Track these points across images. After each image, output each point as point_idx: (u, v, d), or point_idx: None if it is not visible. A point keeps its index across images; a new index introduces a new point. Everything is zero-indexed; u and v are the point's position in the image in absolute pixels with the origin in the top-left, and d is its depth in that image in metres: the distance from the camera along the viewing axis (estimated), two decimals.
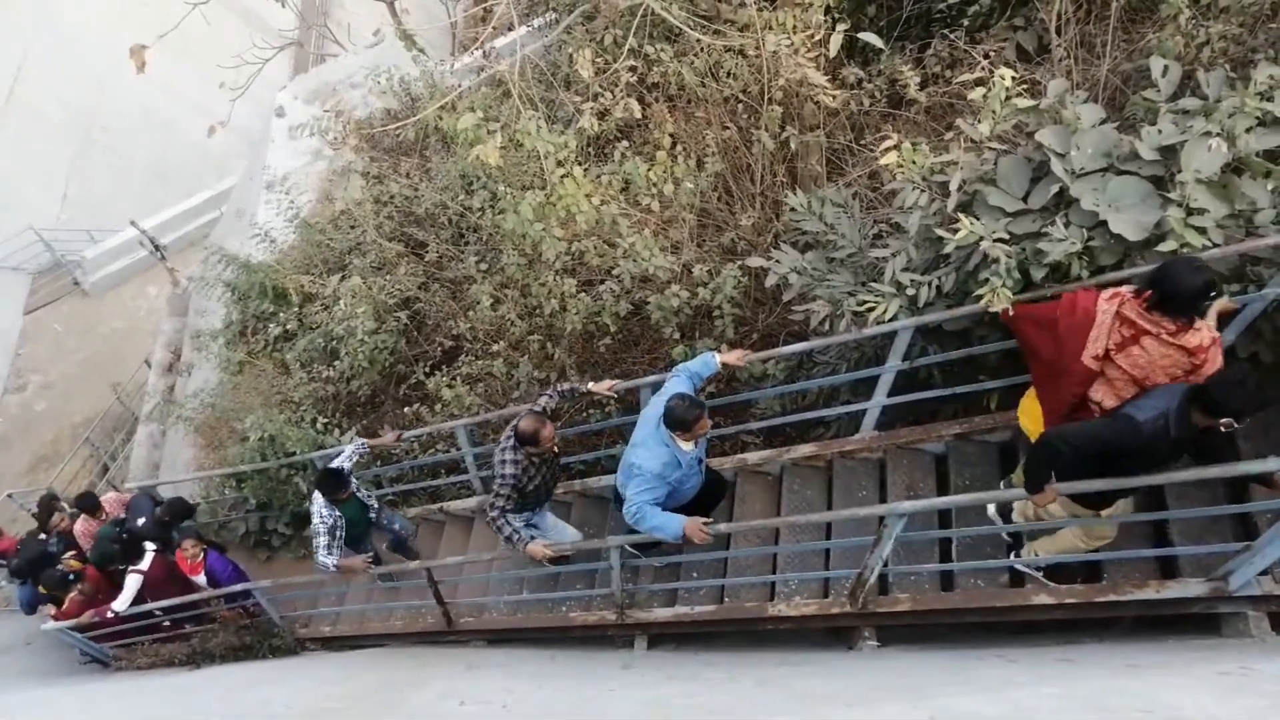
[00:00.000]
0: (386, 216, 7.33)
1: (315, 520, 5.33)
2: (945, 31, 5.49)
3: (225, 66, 9.18)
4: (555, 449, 4.78)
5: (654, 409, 4.35)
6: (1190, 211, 3.75)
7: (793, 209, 4.83)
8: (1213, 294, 3.37)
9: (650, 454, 4.25)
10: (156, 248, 10.91)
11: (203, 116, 9.51)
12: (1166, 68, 4.10)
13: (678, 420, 4.16)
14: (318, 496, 5.33)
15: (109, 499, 6.91)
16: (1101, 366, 3.53)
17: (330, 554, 5.31)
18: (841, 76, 5.52)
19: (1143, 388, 3.44)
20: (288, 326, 7.29)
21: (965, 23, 5.71)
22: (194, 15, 7.98)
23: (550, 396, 4.79)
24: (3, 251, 13.10)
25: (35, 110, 13.84)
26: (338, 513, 5.37)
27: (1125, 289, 3.56)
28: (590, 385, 4.89)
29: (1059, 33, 5.09)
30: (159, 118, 13.33)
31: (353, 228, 7.53)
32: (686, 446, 4.27)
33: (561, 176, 4.99)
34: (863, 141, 5.53)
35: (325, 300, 7.01)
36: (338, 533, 5.40)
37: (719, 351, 4.57)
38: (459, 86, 7.62)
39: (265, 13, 9.72)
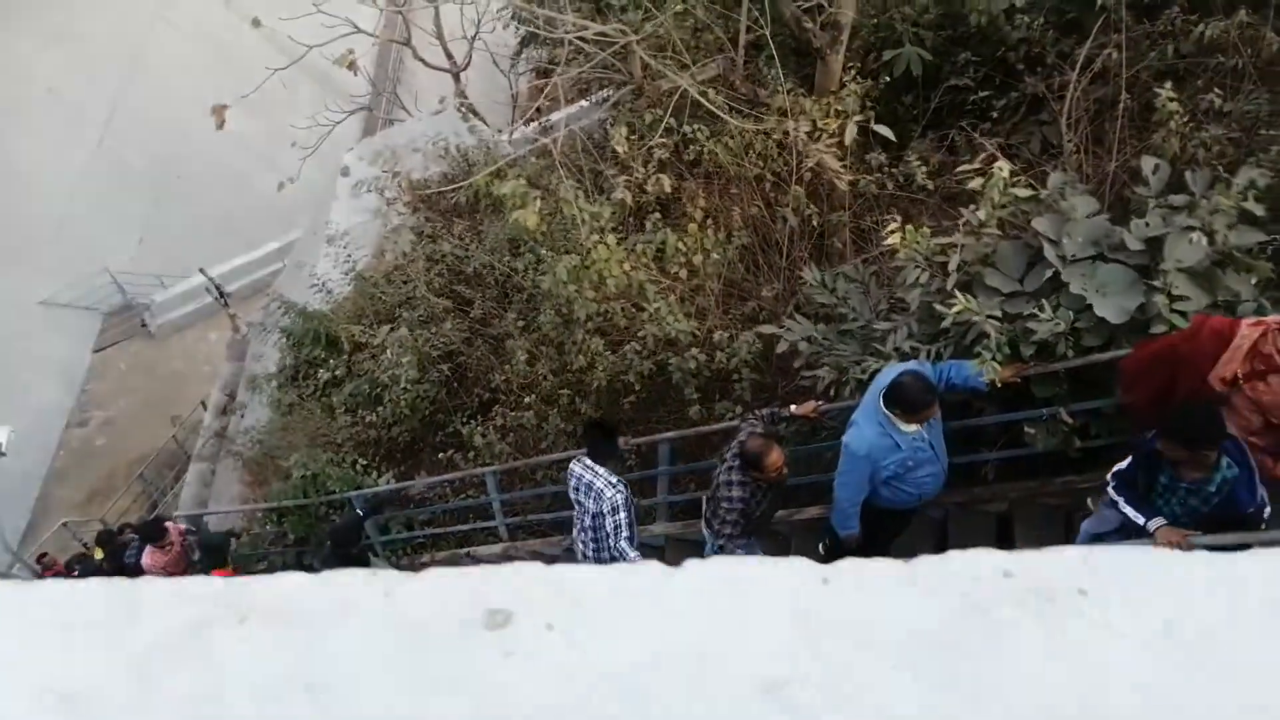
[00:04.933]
0: (437, 274, 7.96)
1: (612, 497, 4.37)
2: (965, 124, 5.96)
3: (298, 127, 10.06)
4: (783, 474, 4.17)
5: (879, 382, 4.02)
6: (1173, 298, 4.13)
7: (805, 282, 5.28)
8: None
9: (860, 433, 3.93)
10: (221, 294, 11.74)
11: (273, 172, 10.38)
12: (1157, 166, 4.51)
13: (903, 398, 3.78)
14: (600, 470, 4.44)
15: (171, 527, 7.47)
16: (1229, 391, 3.47)
17: (633, 544, 4.44)
18: (867, 160, 6.02)
19: (1268, 423, 3.41)
20: (337, 373, 7.90)
21: (995, 114, 6.20)
22: (275, 78, 8.86)
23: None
24: (78, 291, 14.13)
25: (120, 158, 15.03)
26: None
27: (1273, 319, 3.50)
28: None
29: (1073, 129, 5.54)
30: (232, 171, 14.40)
31: (405, 283, 8.18)
32: (909, 429, 3.90)
33: (595, 243, 5.54)
34: (885, 222, 6.00)
35: (374, 349, 7.62)
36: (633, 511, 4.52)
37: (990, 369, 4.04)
38: (513, 155, 8.31)
39: (340, 78, 10.60)
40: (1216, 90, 4.82)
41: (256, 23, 9.32)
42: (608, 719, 0.68)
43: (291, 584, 0.75)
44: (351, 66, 7.59)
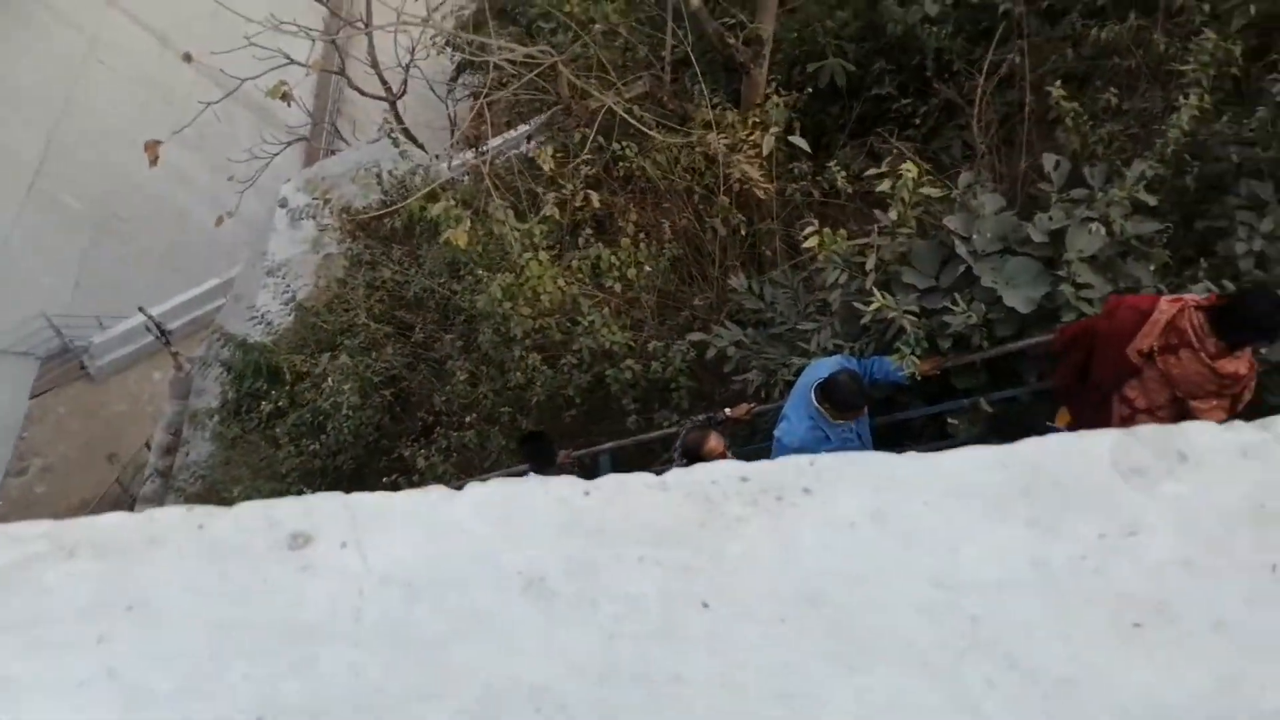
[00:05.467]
0: (377, 300, 8.03)
1: None
2: (886, 131, 6.18)
3: (236, 160, 10.10)
4: (727, 458, 4.08)
5: (809, 377, 4.11)
6: (1078, 286, 4.34)
7: (733, 289, 5.45)
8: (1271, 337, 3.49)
9: (790, 425, 4.01)
10: (163, 333, 11.68)
11: (213, 207, 10.39)
12: (1058, 162, 4.74)
13: (836, 396, 3.87)
14: None
15: None
16: (1142, 364, 3.61)
17: None
18: (791, 170, 6.22)
19: (1174, 398, 3.59)
20: (280, 404, 7.92)
21: (916, 121, 6.44)
22: (210, 111, 8.91)
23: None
24: (13, 337, 13.96)
25: (53, 200, 14.92)
26: None
27: (1190, 297, 3.66)
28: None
29: (985, 132, 5.78)
30: (172, 208, 14.36)
31: (345, 310, 8.23)
32: (838, 422, 3.99)
33: (528, 260, 5.67)
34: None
35: (316, 378, 7.66)
36: None
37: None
38: (451, 179, 8.42)
39: (278, 110, 10.66)
40: (1113, 89, 5.07)
41: (188, 58, 9.37)
42: (387, 614, 0.79)
43: (114, 520, 0.86)
44: (285, 98, 7.67)
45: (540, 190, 6.51)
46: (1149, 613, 0.79)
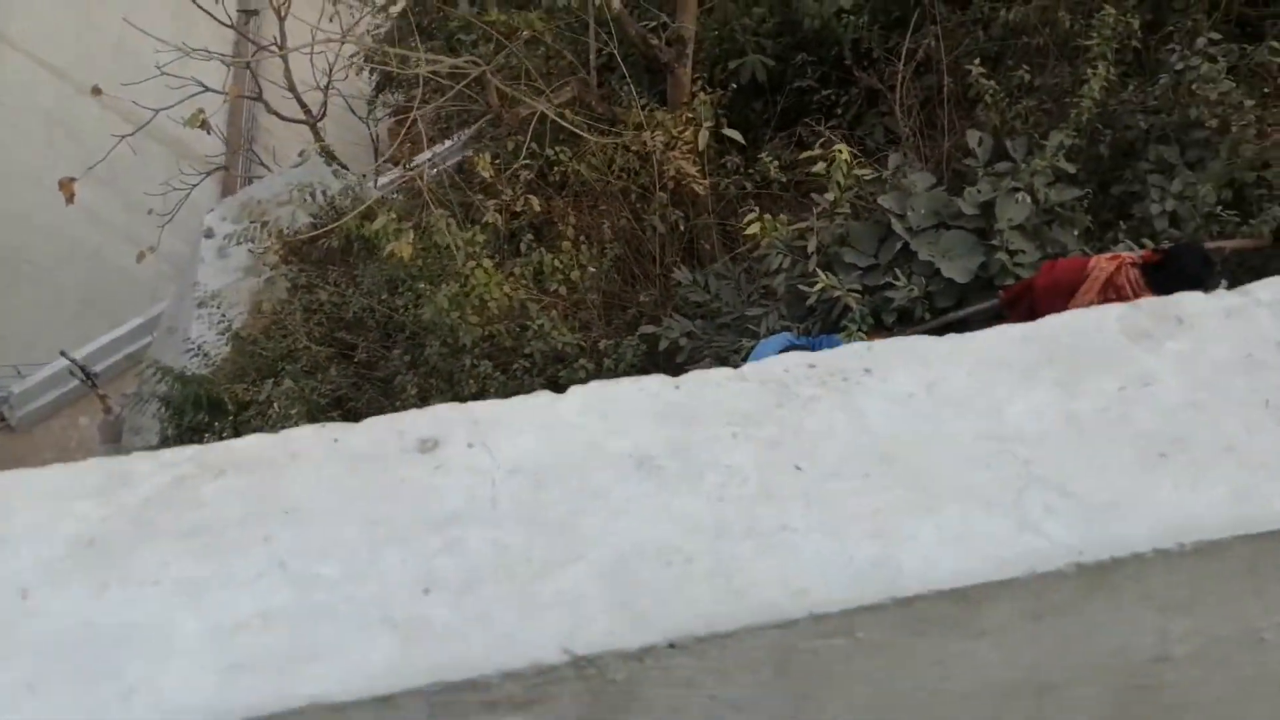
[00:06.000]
0: (316, 323, 7.98)
1: None
2: (810, 121, 6.41)
3: (153, 194, 9.90)
4: None
5: (757, 354, 4.20)
6: (1011, 254, 4.58)
7: (679, 283, 5.60)
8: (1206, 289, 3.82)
9: None
10: (88, 376, 11.36)
11: (131, 244, 10.15)
12: (981, 139, 5.00)
13: None
14: None
15: None
16: None
17: None
18: (724, 165, 6.40)
19: None
20: (224, 435, 7.81)
21: (839, 111, 6.68)
22: (121, 146, 8.74)
23: None
24: None
25: None
26: None
27: (1128, 254, 3.87)
28: None
29: (908, 115, 6.04)
30: (86, 248, 13.96)
31: (284, 336, 8.16)
32: None
33: (473, 268, 5.73)
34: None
35: (260, 406, 7.56)
36: None
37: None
38: (383, 197, 8.41)
39: (193, 141, 10.52)
40: (1025, 67, 5.37)
41: (96, 91, 9.17)
42: (518, 498, 0.89)
43: (252, 441, 0.94)
44: (204, 126, 7.56)
45: (479, 199, 6.58)
46: (1169, 446, 0.94)
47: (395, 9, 9.31)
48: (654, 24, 6.95)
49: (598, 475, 0.91)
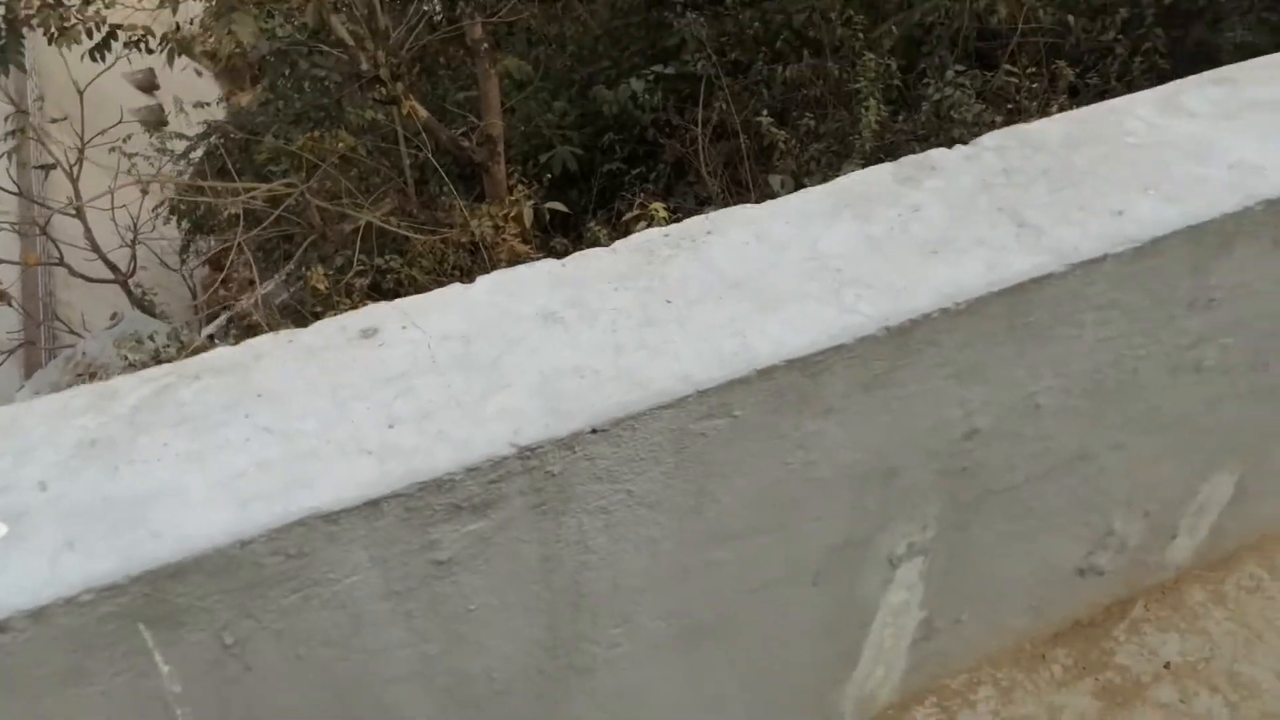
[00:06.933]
0: None
1: None
2: (626, 194, 6.90)
3: None
4: None
5: None
6: None
7: None
8: None
9: None
10: None
11: None
12: (783, 181, 5.57)
13: None
14: None
15: None
16: None
17: None
18: (553, 246, 6.78)
19: None
20: None
21: (650, 186, 7.21)
22: None
23: None
24: None
25: None
26: None
27: None
28: None
29: (714, 176, 6.61)
30: None
31: None
32: None
33: None
34: None
35: None
36: None
37: None
38: (211, 337, 8.35)
39: None
40: (809, 115, 6.03)
41: None
42: (453, 353, 1.13)
43: (220, 351, 1.13)
44: (3, 298, 7.42)
45: (314, 315, 6.67)
46: (938, 245, 1.26)
47: (197, 154, 9.42)
48: (463, 129, 7.35)
49: (514, 329, 1.16)
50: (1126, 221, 1.31)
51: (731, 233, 1.29)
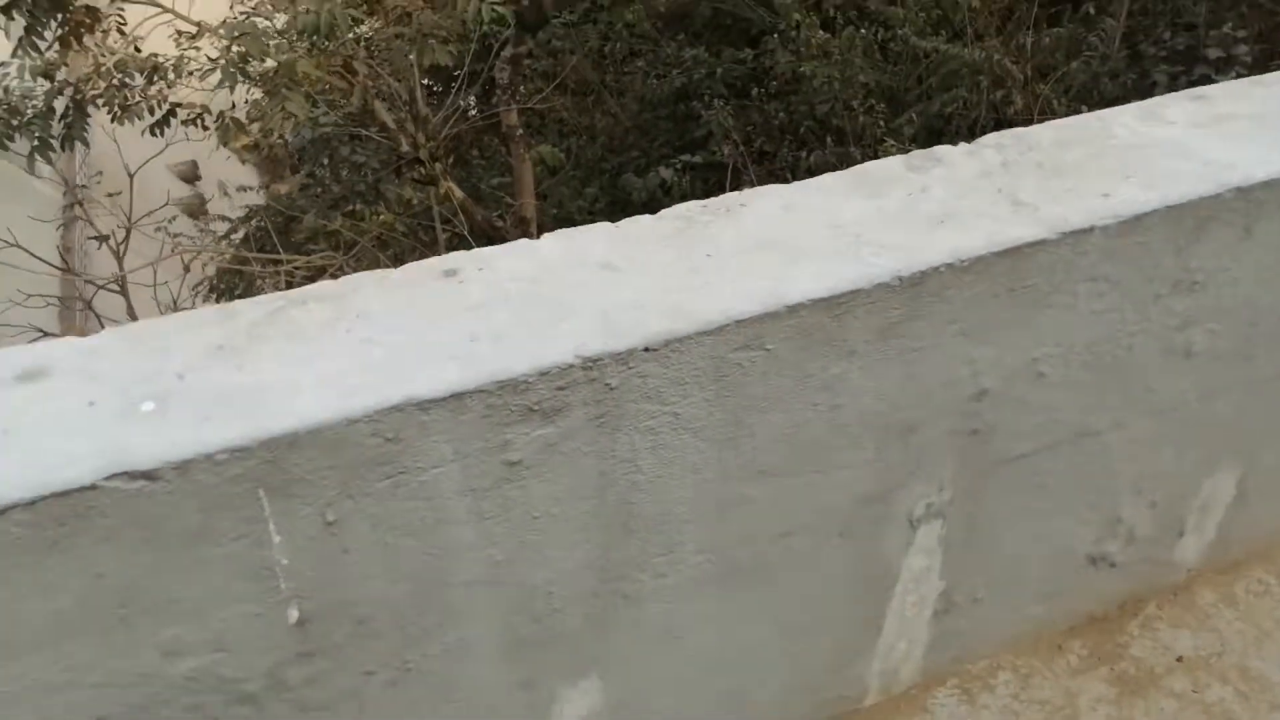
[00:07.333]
0: None
1: None
2: None
3: None
4: None
5: None
6: None
7: None
8: None
9: None
10: None
11: None
12: None
13: None
14: None
15: None
16: None
17: None
18: None
19: None
20: None
21: None
22: None
23: None
24: None
25: None
26: None
27: None
28: None
29: None
30: None
31: None
32: None
33: None
34: None
35: None
36: None
37: None
38: None
39: None
40: None
41: None
42: (523, 289, 1.33)
43: (322, 284, 1.33)
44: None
45: None
46: (944, 217, 1.47)
47: (238, 235, 9.85)
48: (497, 211, 7.72)
49: (576, 274, 1.36)
50: (1112, 202, 1.51)
51: (762, 203, 1.50)
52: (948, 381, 1.52)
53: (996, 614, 1.96)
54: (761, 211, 1.48)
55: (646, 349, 1.26)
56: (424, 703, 1.44)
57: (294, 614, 1.25)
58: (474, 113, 8.68)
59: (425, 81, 7.71)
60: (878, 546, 1.68)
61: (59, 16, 6.11)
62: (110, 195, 6.77)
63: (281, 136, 10.75)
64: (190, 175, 14.62)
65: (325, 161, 10.09)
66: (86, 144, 6.06)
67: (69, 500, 1.06)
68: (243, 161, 13.73)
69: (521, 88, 8.63)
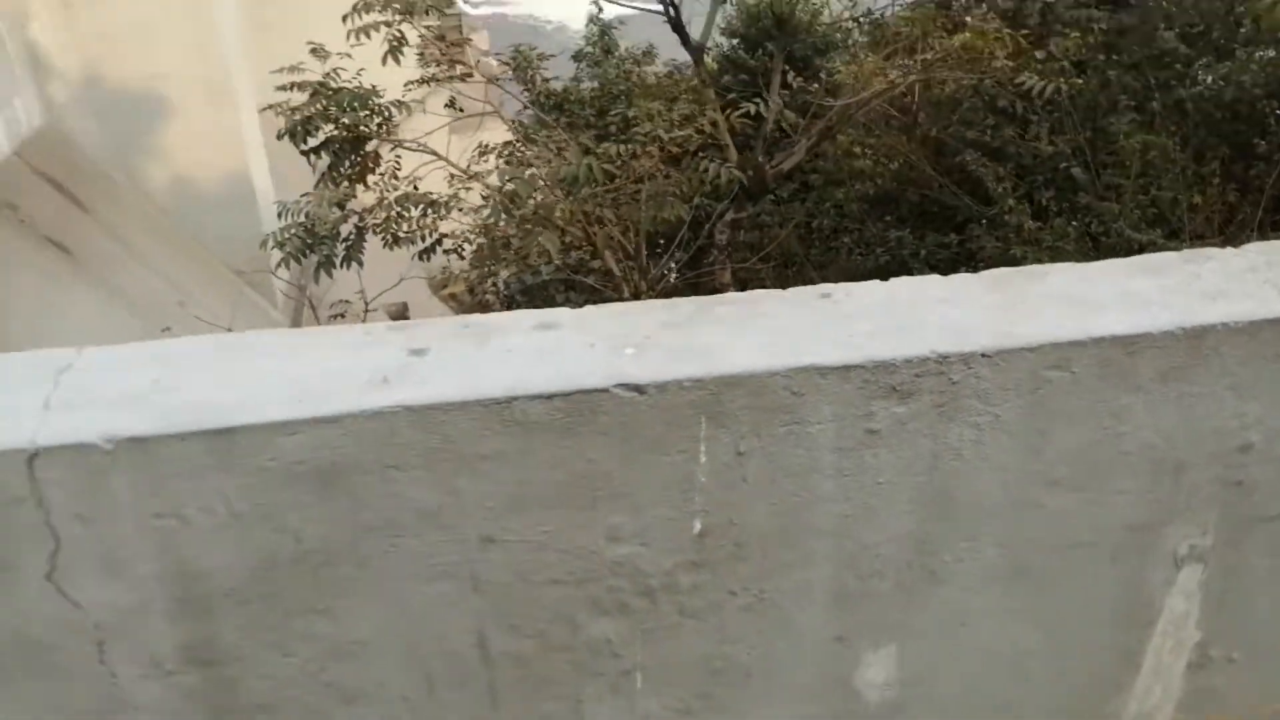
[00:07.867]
0: None
1: None
2: None
3: None
4: None
5: None
6: None
7: None
8: None
9: None
10: None
11: None
12: None
13: None
14: None
15: None
16: None
17: None
18: None
19: None
20: None
21: None
22: None
23: None
24: None
25: None
26: None
27: None
28: None
29: None
30: None
31: None
32: None
33: None
34: None
35: None
36: None
37: None
38: None
39: None
40: None
41: None
42: (877, 312, 1.78)
43: (729, 295, 1.83)
44: None
45: None
46: (1217, 294, 1.85)
47: None
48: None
49: (920, 303, 1.82)
50: None
51: (1060, 274, 1.93)
52: (1217, 430, 1.86)
53: (1251, 681, 2.18)
54: (1061, 277, 1.91)
55: (984, 354, 1.68)
56: (767, 633, 1.82)
57: (697, 525, 1.68)
58: (687, 271, 9.47)
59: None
60: (1143, 577, 1.97)
61: (354, 157, 7.27)
62: (370, 310, 7.74)
63: (494, 285, 11.87)
64: (400, 315, 16.08)
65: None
66: (361, 264, 7.05)
67: (590, 397, 1.55)
68: (454, 310, 15.02)
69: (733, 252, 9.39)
